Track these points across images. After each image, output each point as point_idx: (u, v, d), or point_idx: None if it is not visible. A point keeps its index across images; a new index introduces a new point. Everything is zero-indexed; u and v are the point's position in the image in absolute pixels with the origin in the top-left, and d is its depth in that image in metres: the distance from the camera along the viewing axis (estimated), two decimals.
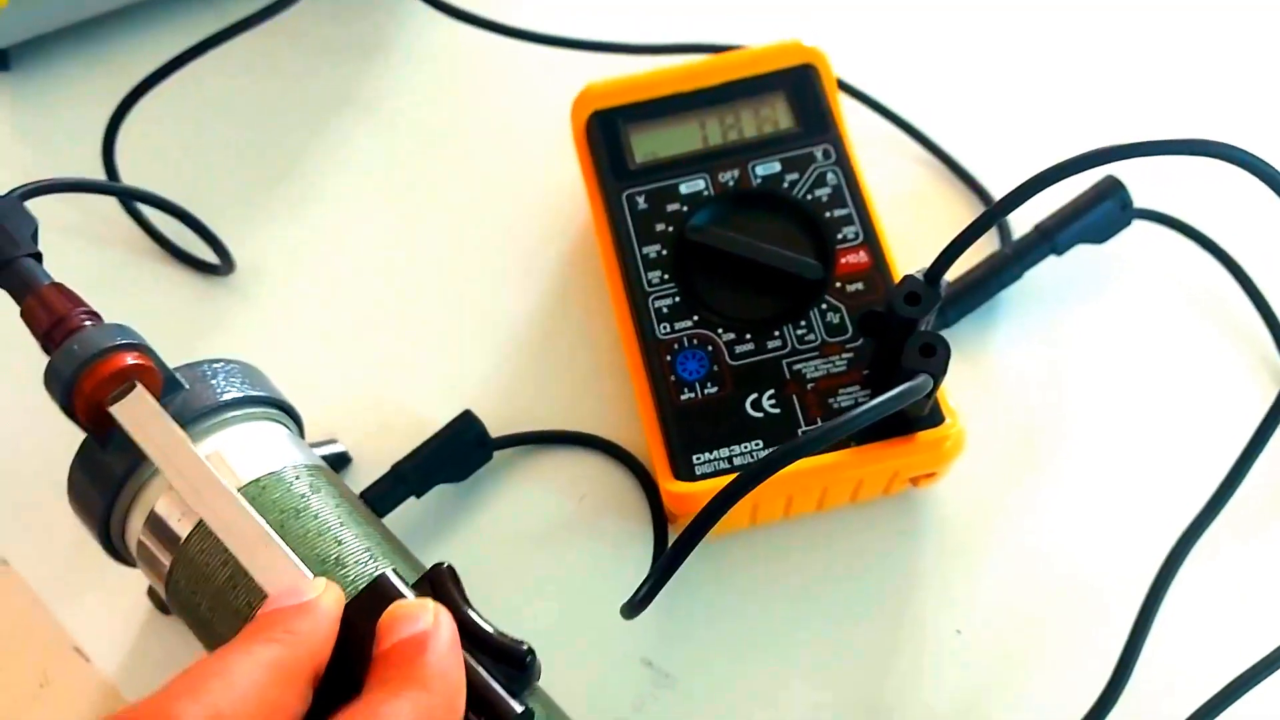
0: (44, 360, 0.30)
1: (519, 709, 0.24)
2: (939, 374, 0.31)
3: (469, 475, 0.38)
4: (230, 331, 0.43)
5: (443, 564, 0.27)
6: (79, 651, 0.38)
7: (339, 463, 0.39)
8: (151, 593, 0.38)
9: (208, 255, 0.44)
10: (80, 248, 0.45)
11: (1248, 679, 0.32)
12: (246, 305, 0.44)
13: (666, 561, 0.27)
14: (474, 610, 0.26)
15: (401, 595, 0.26)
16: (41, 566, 0.39)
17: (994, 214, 0.31)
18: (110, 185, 0.42)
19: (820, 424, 0.35)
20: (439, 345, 0.42)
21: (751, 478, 0.27)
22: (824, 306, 0.37)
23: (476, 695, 0.24)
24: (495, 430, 0.39)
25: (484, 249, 0.44)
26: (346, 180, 0.46)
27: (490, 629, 0.26)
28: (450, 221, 0.45)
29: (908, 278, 0.32)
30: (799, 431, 0.35)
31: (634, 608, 0.29)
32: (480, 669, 0.25)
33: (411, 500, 0.37)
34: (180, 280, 0.45)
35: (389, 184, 0.46)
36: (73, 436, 0.31)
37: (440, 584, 0.26)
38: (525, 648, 0.26)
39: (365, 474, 0.38)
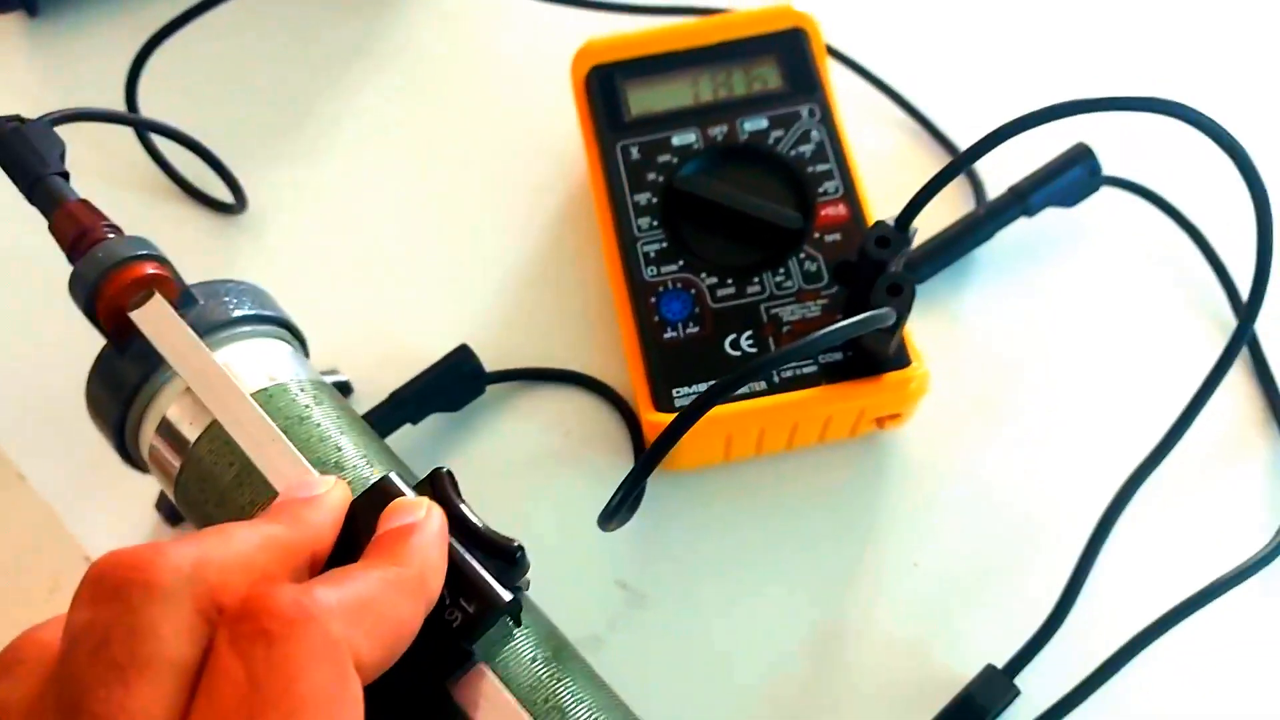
0: (64, 284, 0.32)
1: (507, 596, 0.26)
2: (904, 311, 0.33)
3: (463, 406, 0.41)
4: (241, 268, 0.45)
5: (442, 468, 0.28)
6: (89, 560, 0.40)
7: (341, 391, 0.41)
8: (159, 505, 0.41)
9: (222, 195, 0.46)
10: (101, 187, 0.47)
11: (1179, 612, 0.34)
12: (257, 243, 0.46)
13: (638, 469, 0.29)
14: (468, 508, 0.28)
15: (402, 494, 0.27)
16: (56, 481, 0.42)
17: (960, 163, 0.33)
18: (135, 118, 0.44)
19: (794, 364, 0.37)
20: (439, 285, 0.44)
21: (719, 389, 0.29)
22: (802, 255, 0.39)
23: (467, 582, 0.26)
24: (489, 366, 0.41)
25: (486, 195, 0.46)
26: (358, 127, 0.48)
27: (482, 525, 0.28)
28: (454, 168, 0.47)
29: (879, 223, 0.34)
30: (773, 371, 0.37)
31: (608, 516, 0.31)
32: (471, 560, 0.26)
33: (408, 427, 0.40)
34: (195, 219, 0.47)
35: (398, 131, 0.48)
36: (88, 360, 0.34)
37: (439, 484, 0.28)
38: (515, 544, 0.27)
39: (365, 403, 0.40)
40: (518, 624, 0.28)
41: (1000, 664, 0.35)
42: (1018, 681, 0.34)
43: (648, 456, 0.29)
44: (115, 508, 0.40)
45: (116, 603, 0.20)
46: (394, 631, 0.23)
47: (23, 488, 0.41)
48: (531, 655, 0.28)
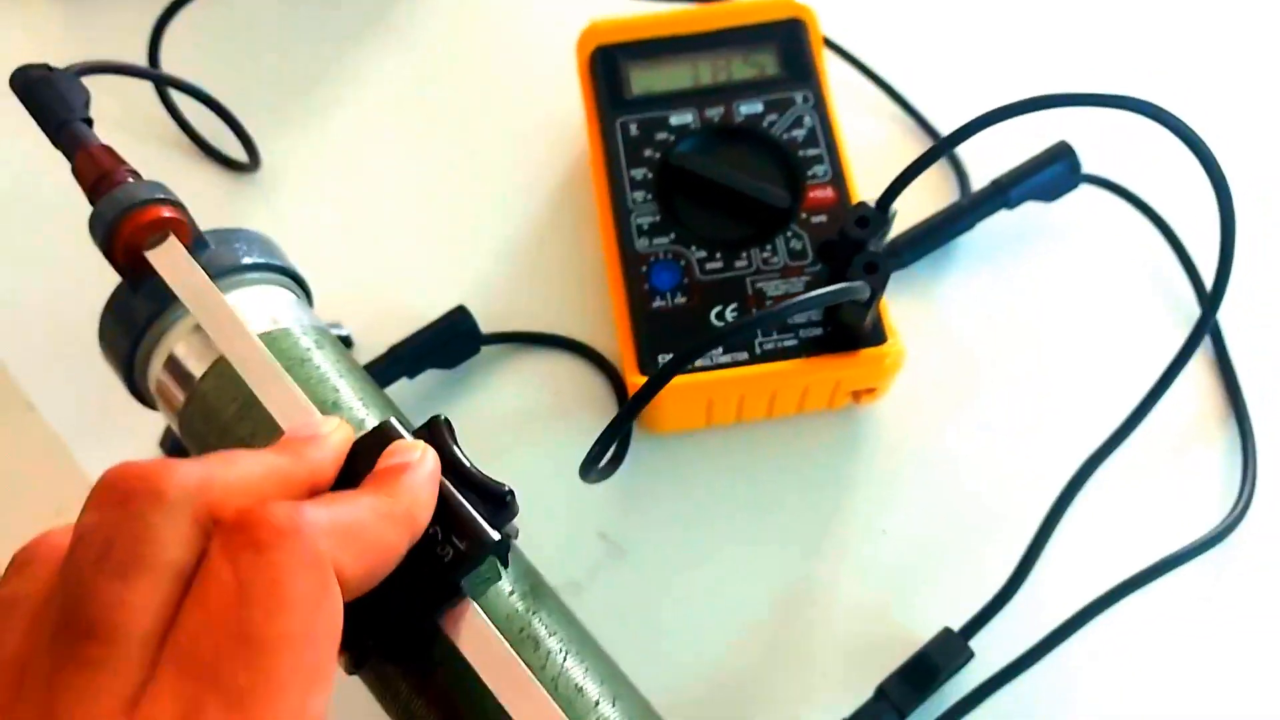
0: (83, 224, 0.33)
1: (495, 536, 0.28)
2: (878, 287, 0.35)
3: (458, 364, 0.43)
4: (252, 224, 0.47)
5: (440, 415, 0.30)
6: None
7: (343, 344, 0.43)
8: (163, 443, 0.42)
9: (236, 154, 0.48)
10: (121, 140, 0.48)
11: (1129, 585, 0.36)
12: (268, 202, 0.48)
13: (617, 420, 0.31)
14: (463, 453, 0.29)
15: (402, 437, 0.29)
16: (65, 413, 0.44)
17: (939, 149, 0.34)
18: (157, 73, 0.46)
19: (775, 336, 0.39)
20: (442, 249, 0.46)
21: (697, 348, 0.31)
22: (789, 234, 0.41)
23: (459, 522, 0.27)
24: (486, 328, 0.43)
25: (490, 166, 0.48)
26: (371, 95, 0.50)
27: (476, 470, 0.29)
28: (462, 139, 0.49)
29: (860, 204, 0.36)
30: (755, 342, 0.39)
31: (588, 466, 0.33)
32: (464, 501, 0.28)
33: (404, 381, 0.42)
34: (209, 176, 0.49)
35: (409, 101, 0.50)
36: (101, 299, 0.35)
37: (436, 430, 0.29)
38: (506, 488, 0.29)
39: (365, 357, 0.42)
40: (505, 565, 0.30)
41: (957, 627, 0.36)
42: (973, 644, 0.36)
43: (627, 408, 0.31)
44: (120, 441, 0.42)
45: (123, 508, 0.22)
46: (377, 555, 0.24)
47: (32, 417, 0.43)
48: (512, 592, 0.30)
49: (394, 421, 0.29)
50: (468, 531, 0.27)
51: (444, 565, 0.27)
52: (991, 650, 0.36)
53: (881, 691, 0.35)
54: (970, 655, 0.36)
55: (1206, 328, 0.36)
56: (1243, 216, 0.34)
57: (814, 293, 0.32)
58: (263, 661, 0.21)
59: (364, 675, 0.30)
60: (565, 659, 0.29)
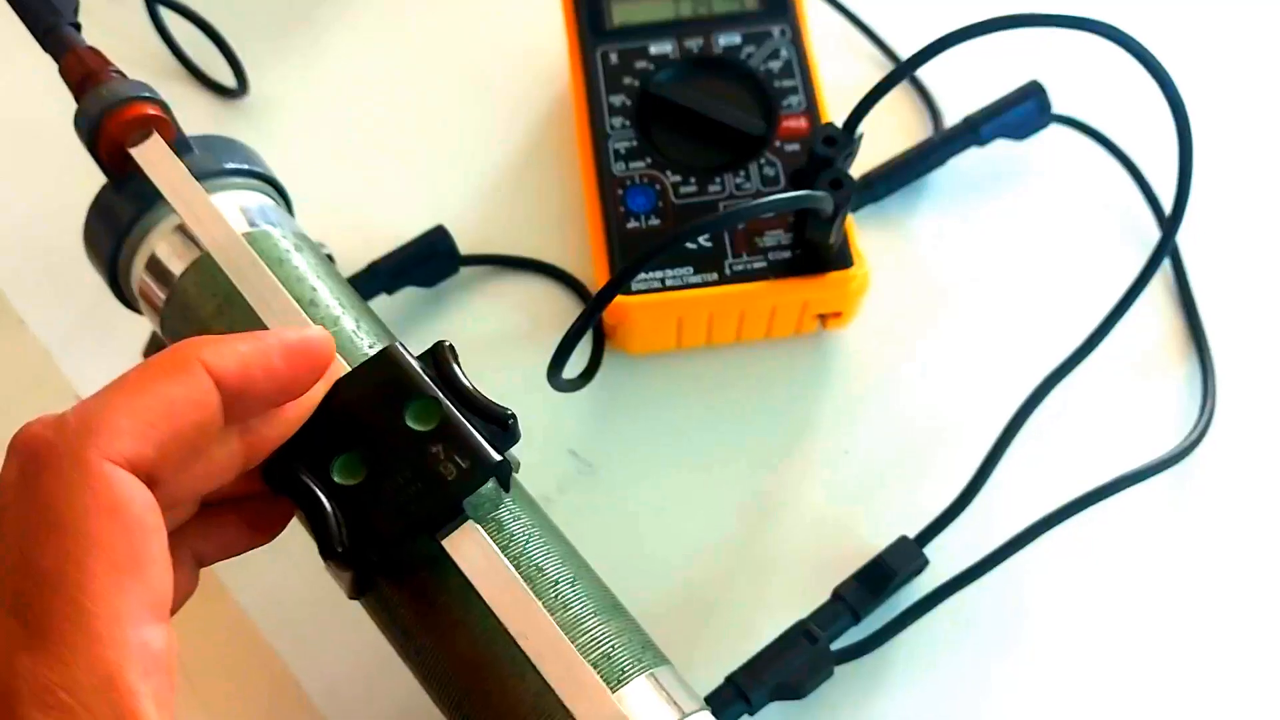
0: (68, 137, 0.34)
1: (498, 457, 0.28)
2: (842, 203, 0.36)
3: (437, 283, 0.44)
4: None
5: (444, 341, 0.30)
6: (78, 398, 0.43)
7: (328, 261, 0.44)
8: (147, 352, 0.43)
9: (225, 79, 0.48)
10: None
11: (1081, 502, 0.37)
12: (256, 127, 0.49)
13: (583, 316, 0.32)
14: (465, 376, 0.29)
15: (410, 363, 0.29)
16: (53, 327, 0.44)
17: (903, 69, 0.35)
18: None
19: (745, 258, 0.40)
20: (425, 174, 0.47)
21: (657, 249, 0.32)
22: (762, 161, 0.42)
23: (461, 441, 0.28)
24: (467, 250, 0.44)
25: (475, 94, 0.49)
26: (361, 25, 0.51)
27: (479, 393, 0.29)
28: (448, 68, 0.50)
29: (828, 124, 0.37)
30: (724, 263, 0.40)
31: (554, 368, 0.34)
32: (465, 421, 0.28)
33: (383, 297, 0.42)
34: (199, 101, 0.49)
35: (398, 31, 0.51)
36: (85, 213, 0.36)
37: (440, 354, 0.30)
38: (509, 412, 0.29)
39: (346, 274, 0.43)
40: (506, 489, 0.30)
41: (913, 536, 0.38)
42: (930, 553, 0.37)
43: (590, 306, 0.32)
44: (106, 353, 0.43)
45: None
46: (169, 421, 0.24)
47: (21, 331, 0.44)
48: (514, 516, 0.30)
49: (399, 347, 0.29)
50: (470, 451, 0.28)
51: (446, 484, 0.28)
52: (949, 559, 0.37)
53: (838, 594, 0.36)
54: (925, 562, 0.37)
55: (1166, 249, 0.37)
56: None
57: (774, 197, 0.33)
58: (47, 582, 0.21)
59: (365, 601, 0.31)
60: (529, 542, 0.30)
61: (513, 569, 0.28)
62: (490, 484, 0.29)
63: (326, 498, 0.28)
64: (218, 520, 0.29)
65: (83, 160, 0.35)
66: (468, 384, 0.29)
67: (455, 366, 0.30)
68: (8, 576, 0.22)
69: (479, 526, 0.28)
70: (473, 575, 0.27)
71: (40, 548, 0.22)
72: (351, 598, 0.30)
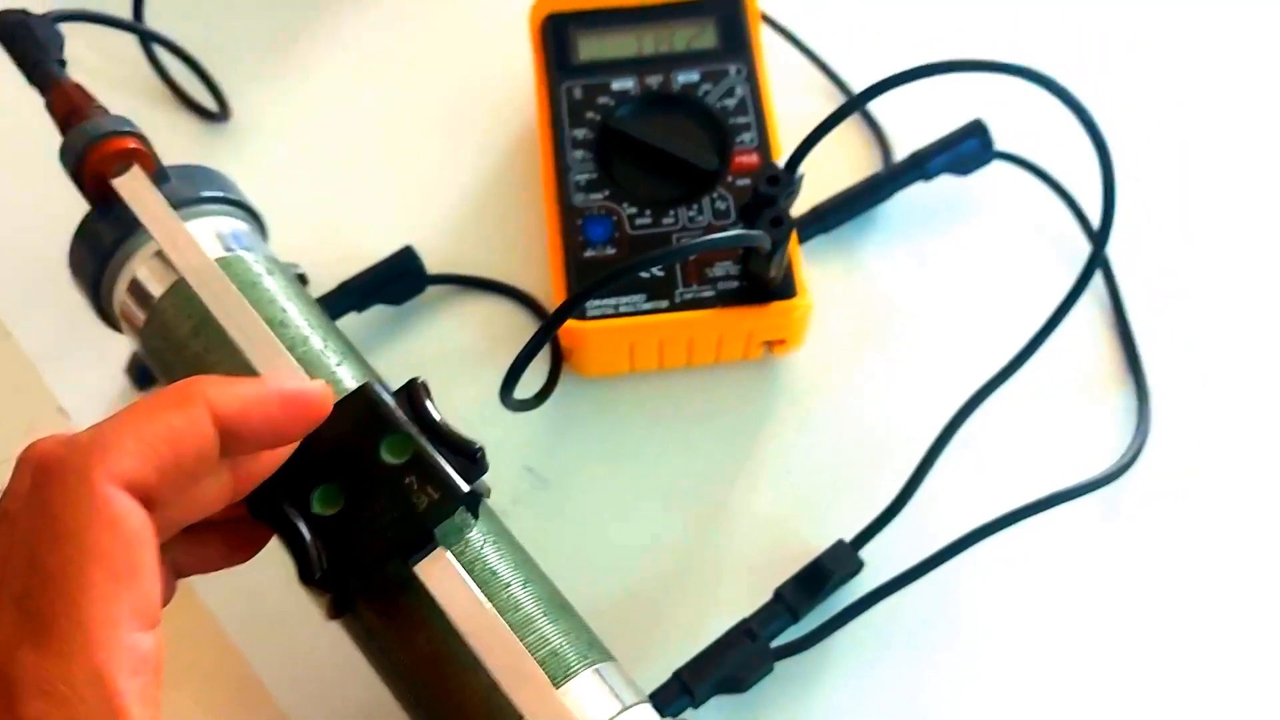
0: (57, 159, 0.36)
1: (467, 488, 0.30)
2: (781, 240, 0.38)
3: (404, 301, 0.46)
4: (219, 169, 0.50)
5: (417, 378, 0.32)
6: (62, 410, 0.45)
7: (300, 282, 0.46)
8: (129, 369, 0.46)
9: (211, 104, 0.51)
10: (100, 87, 0.52)
11: (1012, 517, 0.39)
12: (238, 150, 0.51)
13: (534, 339, 0.34)
14: (437, 410, 0.32)
15: (385, 400, 0.31)
16: (38, 339, 0.47)
17: (842, 112, 0.38)
18: (127, 22, 0.48)
19: (694, 287, 0.42)
20: (396, 199, 0.49)
21: (609, 277, 0.34)
22: (715, 195, 0.44)
23: (436, 477, 0.30)
24: (434, 269, 0.46)
25: (447, 123, 0.51)
26: (339, 53, 0.53)
27: (449, 427, 0.31)
28: (422, 99, 0.52)
29: (770, 164, 0.39)
30: (674, 291, 0.42)
31: (506, 387, 0.36)
32: (437, 455, 0.30)
33: (353, 315, 0.45)
34: (183, 124, 0.52)
35: (376, 61, 0.53)
36: (71, 230, 0.38)
37: (414, 391, 0.32)
38: (478, 445, 0.31)
39: (318, 293, 0.45)
40: (475, 516, 0.32)
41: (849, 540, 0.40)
42: (866, 557, 0.40)
43: (541, 329, 0.34)
44: (89, 367, 0.46)
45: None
46: (169, 447, 0.26)
47: (7, 342, 0.46)
48: (482, 542, 0.32)
49: (375, 385, 0.31)
50: (440, 482, 0.30)
51: (418, 514, 0.30)
52: (884, 562, 0.39)
53: (778, 595, 0.39)
54: (860, 564, 0.39)
55: (1093, 268, 0.39)
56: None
57: (717, 235, 0.35)
58: (52, 585, 0.24)
59: (345, 622, 0.33)
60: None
61: (481, 594, 0.30)
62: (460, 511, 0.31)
63: (306, 528, 0.30)
64: (200, 538, 0.31)
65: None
66: (439, 419, 0.32)
67: (428, 402, 0.32)
68: (18, 575, 0.24)
69: (449, 552, 0.30)
70: (442, 600, 0.29)
71: (47, 552, 0.24)
72: (330, 619, 0.32)
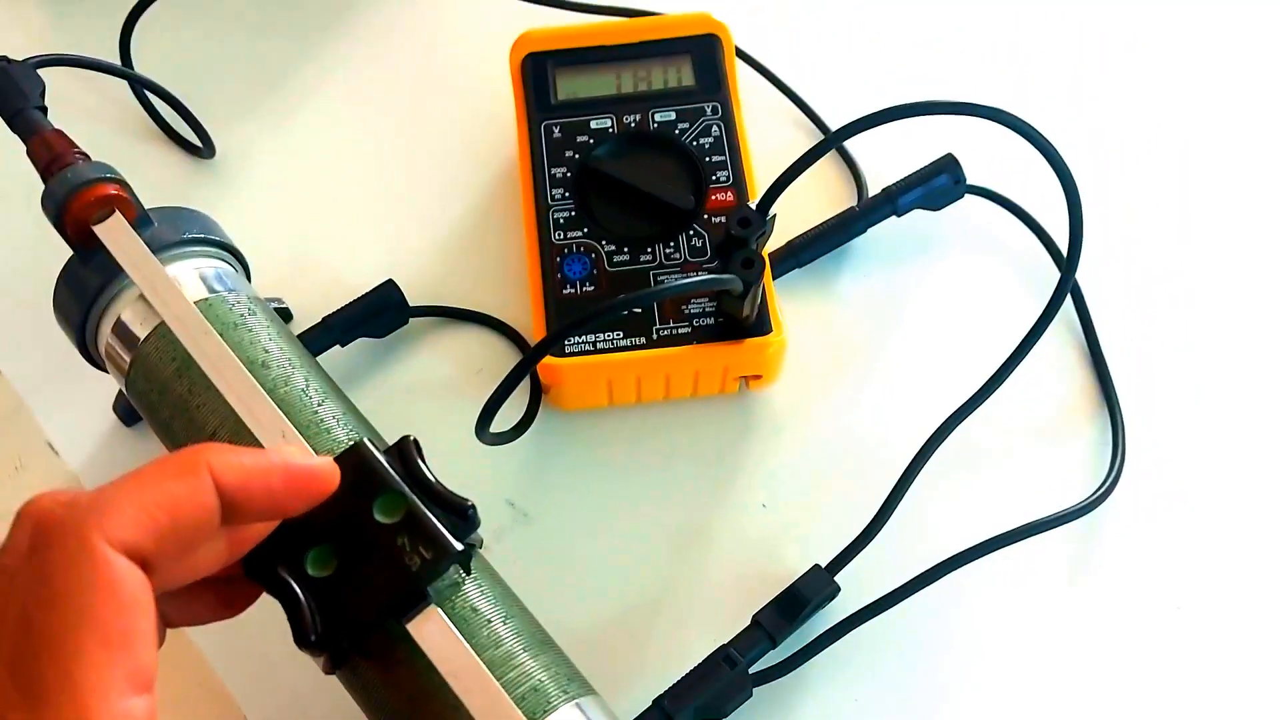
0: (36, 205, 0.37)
1: (459, 546, 0.31)
2: (753, 281, 0.39)
3: (387, 334, 0.46)
4: (204, 205, 0.51)
5: (409, 436, 0.32)
6: (50, 446, 0.46)
7: (282, 316, 0.47)
8: (115, 406, 0.46)
9: (196, 140, 0.52)
10: (90, 124, 0.53)
11: (989, 545, 0.40)
12: (223, 186, 0.52)
13: (509, 378, 0.35)
14: (429, 470, 0.32)
15: (377, 459, 0.31)
16: (28, 375, 0.47)
17: (818, 149, 0.39)
18: (104, 63, 0.47)
19: (671, 324, 0.43)
20: (379, 233, 0.50)
21: (581, 321, 0.35)
22: (691, 233, 0.45)
23: (429, 537, 0.30)
24: (415, 302, 0.47)
25: (430, 160, 0.52)
26: (323, 92, 0.54)
27: (441, 485, 0.32)
28: (405, 135, 0.53)
29: (743, 206, 0.40)
30: (652, 328, 0.43)
31: (481, 422, 0.37)
32: (429, 514, 0.31)
33: (337, 348, 0.45)
34: (170, 159, 0.52)
35: (358, 100, 0.54)
36: (58, 268, 0.39)
37: (405, 449, 0.32)
38: (469, 503, 0.31)
39: (303, 327, 0.46)
40: (468, 573, 0.33)
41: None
42: (842, 583, 0.40)
43: (516, 369, 0.35)
44: (78, 404, 0.46)
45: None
46: (167, 513, 0.26)
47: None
48: (477, 598, 0.33)
49: (368, 444, 0.31)
50: (433, 543, 0.30)
51: (411, 574, 0.30)
52: (860, 587, 0.40)
53: (756, 621, 0.39)
54: (836, 589, 0.40)
55: (1065, 291, 0.40)
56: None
57: (688, 279, 0.36)
58: (45, 650, 0.24)
59: (341, 675, 0.33)
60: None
61: (471, 650, 0.30)
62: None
63: (301, 590, 0.30)
64: (193, 594, 0.31)
65: None
66: (431, 477, 0.32)
67: (420, 461, 0.32)
68: (11, 635, 0.24)
69: (440, 609, 0.31)
70: (434, 656, 0.30)
71: (42, 615, 0.24)
72: (328, 673, 0.33)
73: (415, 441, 0.32)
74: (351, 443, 0.32)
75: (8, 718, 0.23)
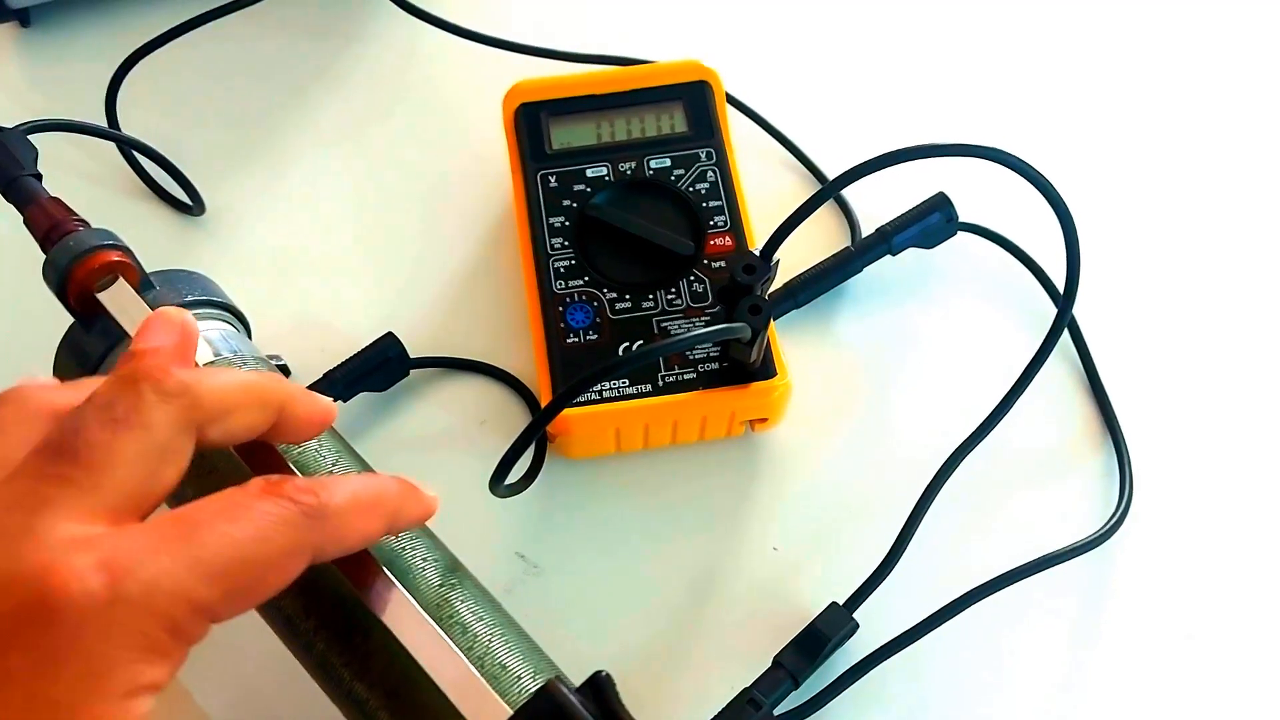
0: (35, 268, 0.37)
1: None
2: (759, 327, 0.39)
3: (389, 387, 0.46)
4: (198, 262, 0.50)
5: (601, 672, 0.29)
6: None
7: (282, 373, 0.47)
8: None
9: (186, 197, 0.51)
10: (79, 185, 0.53)
11: (1009, 577, 0.41)
12: (214, 242, 0.51)
13: (523, 435, 0.35)
14: (625, 710, 0.29)
15: (572, 702, 0.28)
16: None
17: (818, 197, 0.39)
18: (95, 127, 0.48)
19: (676, 370, 0.43)
20: (377, 287, 0.50)
21: (594, 375, 0.35)
22: (692, 278, 0.45)
23: None
24: (416, 354, 0.47)
25: (425, 210, 0.52)
26: (313, 144, 0.54)
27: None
28: (398, 186, 0.53)
29: (747, 252, 0.41)
30: (658, 375, 0.43)
31: (496, 478, 0.36)
32: None
33: (339, 404, 0.45)
34: (160, 217, 0.52)
35: (349, 152, 0.54)
36: (56, 336, 0.39)
37: (600, 686, 0.29)
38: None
39: (303, 383, 0.46)
40: None
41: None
42: (860, 619, 0.40)
43: (529, 427, 0.35)
44: None
45: (132, 384, 0.26)
46: (233, 562, 0.24)
47: None
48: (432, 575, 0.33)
49: (558, 684, 0.29)
50: None
51: None
52: (879, 625, 0.40)
53: (778, 662, 0.39)
54: (855, 625, 0.40)
55: (1065, 322, 0.41)
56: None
57: (699, 331, 0.36)
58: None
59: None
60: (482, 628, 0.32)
61: (429, 618, 0.30)
62: None
63: None
64: None
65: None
66: (628, 716, 0.29)
67: (615, 699, 0.29)
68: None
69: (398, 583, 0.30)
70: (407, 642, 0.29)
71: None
72: None
73: (608, 676, 0.29)
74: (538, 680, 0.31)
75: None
